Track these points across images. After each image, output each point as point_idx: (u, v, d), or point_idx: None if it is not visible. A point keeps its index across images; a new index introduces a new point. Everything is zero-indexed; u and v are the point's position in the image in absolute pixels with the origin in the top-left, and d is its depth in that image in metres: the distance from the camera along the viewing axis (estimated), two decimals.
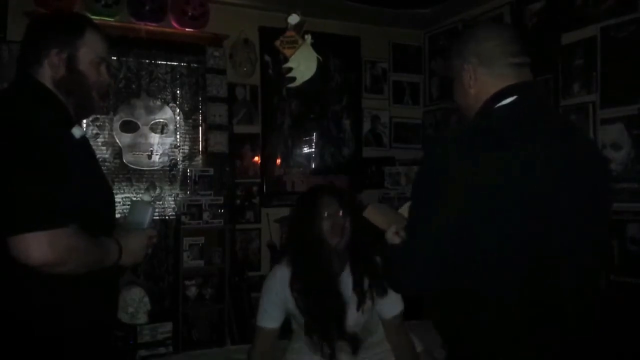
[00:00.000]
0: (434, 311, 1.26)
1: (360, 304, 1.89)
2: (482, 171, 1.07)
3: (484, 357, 1.15)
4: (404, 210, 1.40)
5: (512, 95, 1.19)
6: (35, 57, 1.34)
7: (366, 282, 1.92)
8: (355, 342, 1.88)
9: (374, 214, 1.43)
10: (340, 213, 1.88)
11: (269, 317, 1.92)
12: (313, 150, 4.11)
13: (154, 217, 1.56)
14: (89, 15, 2.70)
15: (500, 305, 1.11)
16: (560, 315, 1.13)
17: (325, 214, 1.87)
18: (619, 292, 2.70)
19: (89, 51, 1.37)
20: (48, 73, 1.33)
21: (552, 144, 1.13)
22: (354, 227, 1.89)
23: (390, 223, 1.36)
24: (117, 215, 1.56)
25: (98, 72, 1.40)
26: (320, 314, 1.85)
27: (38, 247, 1.12)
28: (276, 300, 1.90)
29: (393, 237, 1.32)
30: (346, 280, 1.92)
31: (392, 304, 1.97)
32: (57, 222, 1.15)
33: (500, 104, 1.19)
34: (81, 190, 1.24)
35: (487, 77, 1.23)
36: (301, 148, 4.07)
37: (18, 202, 1.15)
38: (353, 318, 1.90)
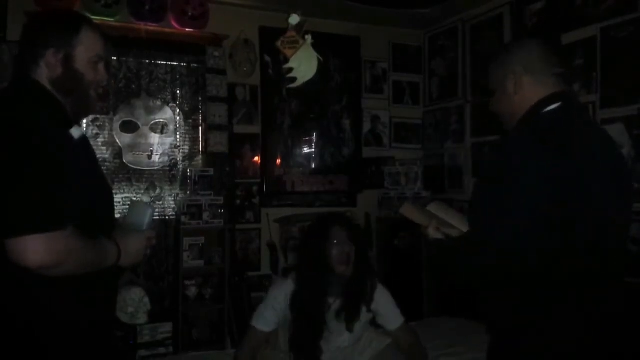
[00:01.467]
0: (489, 299, 1.38)
1: (348, 327, 2.08)
2: (551, 168, 1.20)
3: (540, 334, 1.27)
4: (432, 208, 1.53)
5: (556, 102, 1.33)
6: (32, 58, 1.33)
7: (363, 310, 2.11)
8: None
9: (411, 212, 1.54)
10: (348, 242, 2.06)
11: (265, 320, 2.09)
12: (313, 150, 4.11)
13: (154, 218, 1.56)
14: (88, 15, 2.69)
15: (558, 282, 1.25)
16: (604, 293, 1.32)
17: (335, 242, 2.04)
18: None
19: (86, 50, 1.35)
20: (45, 73, 1.32)
21: (597, 146, 1.30)
22: (358, 257, 2.06)
23: (427, 220, 1.47)
24: (117, 216, 1.56)
25: (96, 71, 1.38)
26: (303, 334, 2.04)
27: (35, 249, 1.11)
28: (277, 308, 2.07)
29: (435, 232, 1.45)
30: (336, 308, 2.08)
31: (394, 318, 2.17)
32: (55, 224, 1.15)
33: (547, 109, 1.32)
34: (80, 191, 1.24)
35: (531, 85, 1.37)
36: (301, 148, 4.07)
37: (15, 204, 1.14)
38: (341, 338, 2.10)
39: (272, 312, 2.08)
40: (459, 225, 1.46)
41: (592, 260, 1.27)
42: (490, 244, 1.25)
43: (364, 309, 2.10)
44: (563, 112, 1.32)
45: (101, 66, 1.40)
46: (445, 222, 1.47)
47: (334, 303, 2.08)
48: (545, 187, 1.20)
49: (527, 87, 1.37)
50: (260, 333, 2.10)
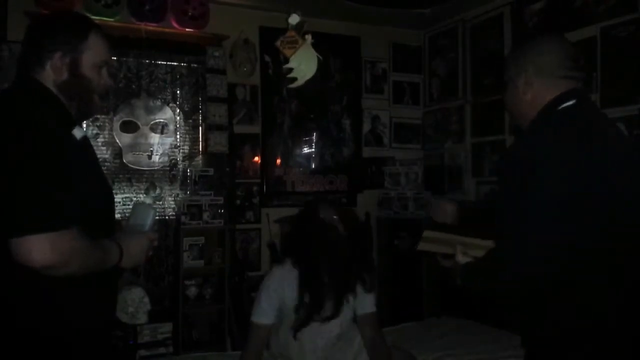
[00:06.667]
0: (524, 310, 1.35)
1: (339, 301, 2.05)
2: (575, 160, 1.20)
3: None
4: (428, 235, 1.49)
5: (571, 99, 1.33)
6: (37, 59, 1.33)
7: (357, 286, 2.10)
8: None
9: (428, 246, 1.51)
10: (336, 220, 2.07)
11: (265, 313, 2.06)
12: (313, 150, 4.11)
13: (156, 219, 1.56)
14: (89, 15, 2.69)
15: (595, 287, 1.23)
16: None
17: (322, 216, 2.07)
18: None
19: (92, 55, 1.36)
20: (50, 76, 1.32)
21: (615, 141, 1.31)
22: (346, 232, 2.07)
23: (449, 248, 1.45)
24: (117, 216, 1.56)
25: (100, 76, 1.40)
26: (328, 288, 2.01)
27: (40, 249, 1.11)
28: (274, 297, 2.05)
29: (463, 258, 1.42)
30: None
31: (368, 303, 2.13)
32: (60, 224, 1.15)
33: (562, 106, 1.33)
34: (82, 191, 1.24)
35: (541, 86, 1.36)
36: (301, 148, 4.07)
37: (21, 203, 1.14)
38: (332, 322, 2.06)
39: (270, 303, 2.06)
40: (478, 242, 1.42)
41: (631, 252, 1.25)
42: (520, 257, 1.23)
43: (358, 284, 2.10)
44: (579, 108, 1.32)
45: (105, 71, 1.41)
46: (466, 242, 1.44)
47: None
48: (573, 180, 1.19)
49: (537, 88, 1.37)
50: (262, 326, 2.07)
